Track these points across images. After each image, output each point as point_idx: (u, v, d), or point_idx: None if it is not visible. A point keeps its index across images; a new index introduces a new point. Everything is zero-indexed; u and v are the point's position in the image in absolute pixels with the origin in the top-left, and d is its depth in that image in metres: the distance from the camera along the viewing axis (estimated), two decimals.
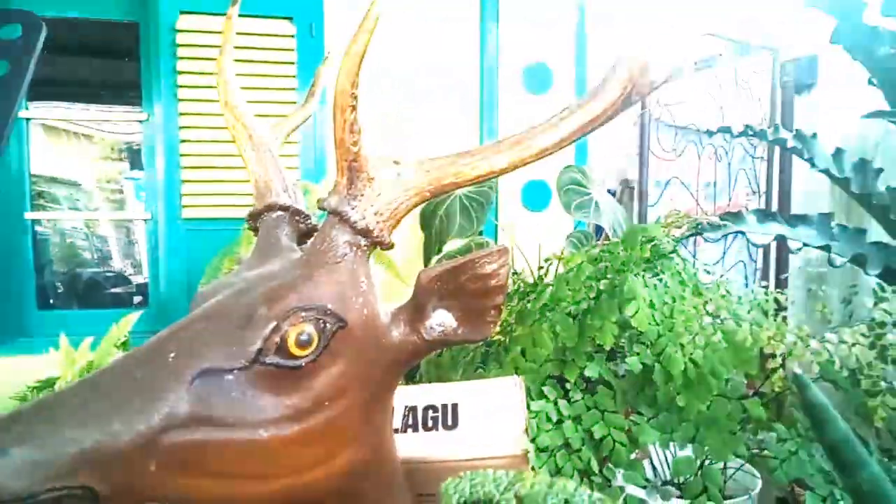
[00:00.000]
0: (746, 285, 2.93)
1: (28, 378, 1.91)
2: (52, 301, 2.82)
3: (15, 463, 0.34)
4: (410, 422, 0.74)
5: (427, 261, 2.21)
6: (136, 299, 3.02)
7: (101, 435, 0.36)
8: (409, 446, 0.57)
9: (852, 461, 0.64)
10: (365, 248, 0.50)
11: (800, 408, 1.03)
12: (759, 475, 1.17)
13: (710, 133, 2.70)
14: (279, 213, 0.56)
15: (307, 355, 0.43)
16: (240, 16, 2.44)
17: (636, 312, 0.94)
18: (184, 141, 2.27)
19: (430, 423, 0.74)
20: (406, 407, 0.72)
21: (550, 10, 2.57)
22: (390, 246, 0.51)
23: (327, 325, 0.44)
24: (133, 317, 1.94)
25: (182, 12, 2.28)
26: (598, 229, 2.39)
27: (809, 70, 2.83)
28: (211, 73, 2.24)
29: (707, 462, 1.00)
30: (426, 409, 0.76)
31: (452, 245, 2.07)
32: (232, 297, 0.44)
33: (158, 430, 0.38)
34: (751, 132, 2.03)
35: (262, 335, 0.42)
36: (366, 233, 0.48)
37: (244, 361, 0.41)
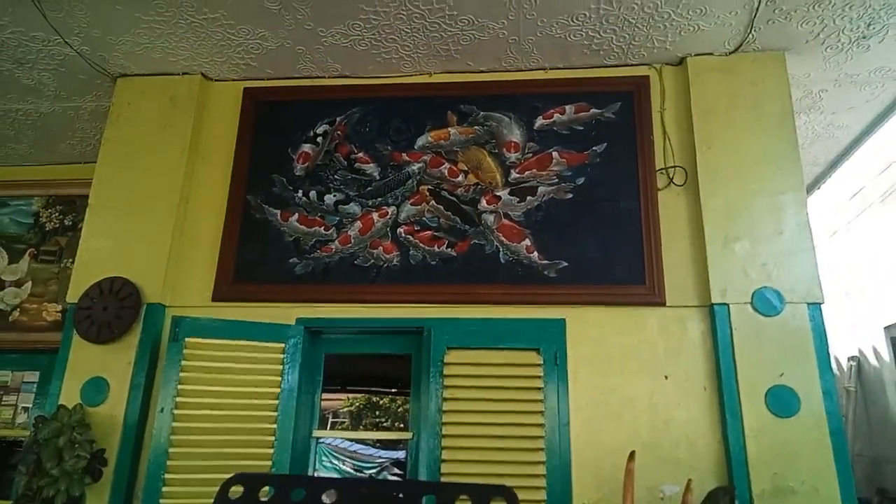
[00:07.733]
0: None
1: None
2: None
3: None
4: None
5: None
6: None
7: None
8: None
9: None
10: None
11: None
12: None
13: None
14: None
15: None
16: (495, 349, 2.84)
17: None
18: (444, 461, 2.56)
19: None
20: None
21: (784, 331, 2.64)
22: None
23: None
24: None
25: (449, 347, 2.77)
26: None
27: None
28: (472, 399, 2.61)
29: None
30: None
31: None
32: None
33: None
34: None
35: None
36: None
37: None
